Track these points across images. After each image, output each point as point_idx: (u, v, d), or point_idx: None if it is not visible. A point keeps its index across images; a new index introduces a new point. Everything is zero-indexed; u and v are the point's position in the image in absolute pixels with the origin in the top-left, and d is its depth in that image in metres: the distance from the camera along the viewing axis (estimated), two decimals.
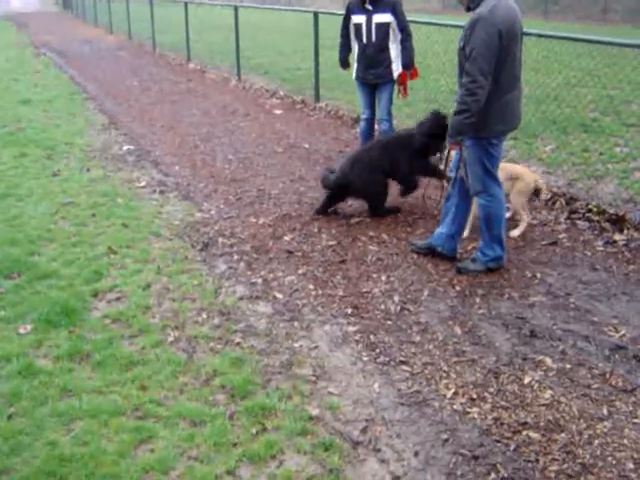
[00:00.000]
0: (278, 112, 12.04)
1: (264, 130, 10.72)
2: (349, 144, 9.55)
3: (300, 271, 5.83)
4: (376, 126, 8.38)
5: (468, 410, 4.05)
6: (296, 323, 5.05)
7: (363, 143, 8.31)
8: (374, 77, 7.99)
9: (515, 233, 6.39)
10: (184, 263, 6.01)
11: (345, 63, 8.42)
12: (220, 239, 6.50)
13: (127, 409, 4.10)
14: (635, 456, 3.67)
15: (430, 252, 5.99)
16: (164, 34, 22.00)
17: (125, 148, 9.94)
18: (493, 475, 3.56)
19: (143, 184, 8.22)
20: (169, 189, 8.02)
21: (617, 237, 6.27)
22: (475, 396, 4.17)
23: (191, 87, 14.92)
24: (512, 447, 3.75)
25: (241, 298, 5.42)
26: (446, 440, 3.83)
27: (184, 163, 9.06)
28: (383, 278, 5.67)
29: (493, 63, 5.08)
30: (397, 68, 7.94)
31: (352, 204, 7.19)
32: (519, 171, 6.47)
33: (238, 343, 4.79)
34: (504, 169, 6.20)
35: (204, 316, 5.15)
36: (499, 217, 5.59)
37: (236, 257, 6.12)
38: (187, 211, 7.27)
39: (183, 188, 8.04)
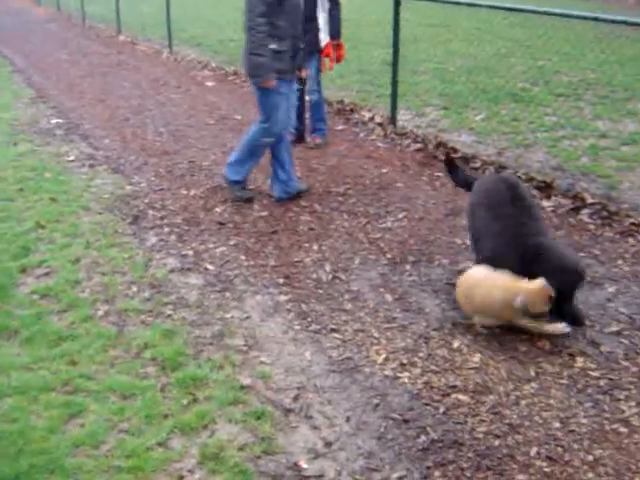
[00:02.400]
0: (210, 84, 11.89)
1: (196, 102, 10.58)
2: None
3: (232, 242, 5.79)
4: (307, 97, 8.31)
5: (399, 375, 4.10)
6: (228, 294, 5.03)
7: (295, 116, 8.23)
8: None
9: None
10: (114, 237, 5.93)
11: None
12: (150, 212, 6.42)
13: (56, 384, 4.03)
14: (561, 415, 3.75)
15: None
16: (94, 5, 21.51)
17: (54, 122, 9.73)
18: (423, 437, 3.61)
19: (72, 158, 8.06)
20: (99, 162, 7.89)
21: (545, 203, 6.38)
22: (405, 361, 4.22)
23: (122, 59, 14.63)
24: (441, 410, 3.81)
25: (172, 270, 5.37)
26: (377, 405, 3.86)
27: (114, 136, 8.91)
28: (315, 247, 5.68)
29: (261, 9, 5.86)
30: (324, 38, 7.85)
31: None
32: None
33: (169, 315, 4.76)
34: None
35: (134, 289, 5.10)
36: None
37: (167, 229, 6.05)
38: (117, 184, 7.15)
39: (113, 161, 7.91)
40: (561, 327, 4.40)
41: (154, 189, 6.98)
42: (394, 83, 8.45)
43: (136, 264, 5.45)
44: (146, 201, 6.67)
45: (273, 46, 6.02)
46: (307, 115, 8.32)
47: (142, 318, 4.73)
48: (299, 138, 8.22)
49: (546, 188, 6.58)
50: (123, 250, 5.68)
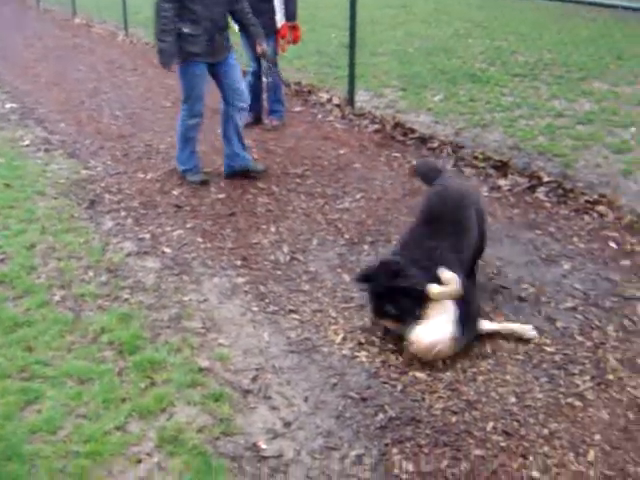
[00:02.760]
0: None
1: (152, 84, 10.47)
2: None
3: (189, 225, 5.76)
4: (264, 79, 8.22)
5: (356, 354, 4.11)
6: (185, 277, 5.00)
7: (252, 97, 8.17)
8: None
9: None
10: (70, 221, 5.86)
11: None
12: (107, 196, 6.36)
13: (12, 371, 3.98)
14: (517, 390, 3.80)
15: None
16: None
17: (8, 106, 9.56)
18: (381, 415, 3.64)
19: (27, 143, 7.94)
20: (54, 147, 7.78)
21: (501, 182, 6.43)
22: (363, 340, 4.23)
23: (77, 42, 14.42)
24: (399, 388, 3.84)
25: (129, 254, 5.33)
26: (335, 384, 3.88)
27: (70, 120, 8.78)
28: (272, 229, 5.67)
29: None
30: (280, 19, 7.78)
31: None
32: None
33: (126, 299, 4.72)
34: None
35: (91, 274, 5.05)
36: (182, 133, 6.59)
37: (123, 213, 6.00)
38: (73, 169, 7.06)
39: (69, 145, 7.81)
40: (528, 329, 4.31)
41: (110, 173, 6.91)
42: (351, 65, 8.45)
43: (92, 248, 5.39)
44: (102, 185, 6.60)
45: (186, 30, 6.06)
46: (264, 96, 8.27)
47: (99, 303, 4.68)
48: (256, 120, 8.18)
49: (502, 167, 6.63)
50: (79, 235, 5.62)
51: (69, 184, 6.65)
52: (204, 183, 6.55)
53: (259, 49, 6.69)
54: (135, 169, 7.00)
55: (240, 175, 6.69)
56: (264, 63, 7.47)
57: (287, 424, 3.61)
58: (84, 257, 5.28)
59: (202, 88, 6.40)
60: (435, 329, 4.02)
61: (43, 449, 3.41)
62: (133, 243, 5.49)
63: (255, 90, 8.10)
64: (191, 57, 6.16)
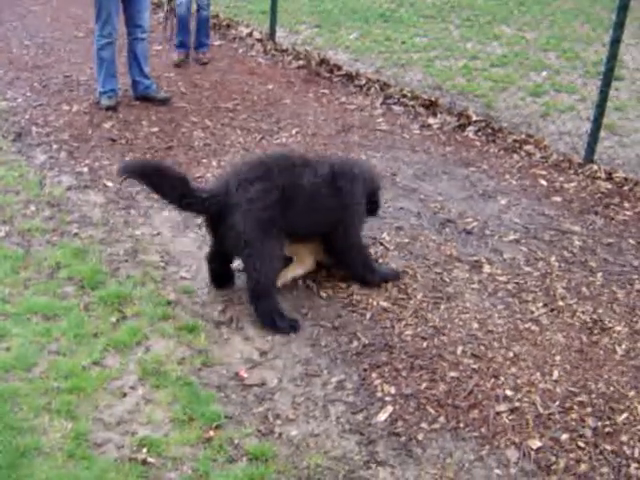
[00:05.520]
0: None
1: (59, 14, 9.95)
2: (155, 29, 9.06)
3: (127, 158, 5.62)
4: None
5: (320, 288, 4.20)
6: (133, 211, 4.92)
7: (182, 29, 7.86)
8: None
9: None
10: None
11: None
12: (34, 128, 6.10)
13: None
14: (478, 317, 3.99)
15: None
16: None
17: None
18: (355, 342, 3.75)
19: None
20: None
21: (431, 121, 6.58)
22: (325, 275, 4.30)
23: None
24: (368, 316, 3.95)
25: (69, 188, 5.17)
26: (305, 314, 3.95)
27: None
28: (214, 163, 5.63)
29: None
30: None
31: None
32: None
33: (76, 234, 4.61)
34: None
35: (33, 208, 4.88)
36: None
37: (55, 146, 5.79)
38: None
39: None
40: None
41: (33, 105, 6.61)
42: None
43: (29, 182, 5.20)
44: (26, 117, 6.32)
45: None
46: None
47: (47, 237, 4.55)
48: (187, 54, 7.95)
49: (431, 106, 6.77)
50: (12, 168, 5.40)
51: None
52: (109, 109, 6.48)
53: None
54: (58, 101, 6.72)
55: (176, 109, 6.63)
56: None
57: (263, 353, 3.68)
58: (22, 191, 5.08)
59: (112, 10, 6.33)
60: None
61: (21, 387, 3.33)
62: (71, 177, 5.33)
63: (185, 22, 7.80)
64: None
